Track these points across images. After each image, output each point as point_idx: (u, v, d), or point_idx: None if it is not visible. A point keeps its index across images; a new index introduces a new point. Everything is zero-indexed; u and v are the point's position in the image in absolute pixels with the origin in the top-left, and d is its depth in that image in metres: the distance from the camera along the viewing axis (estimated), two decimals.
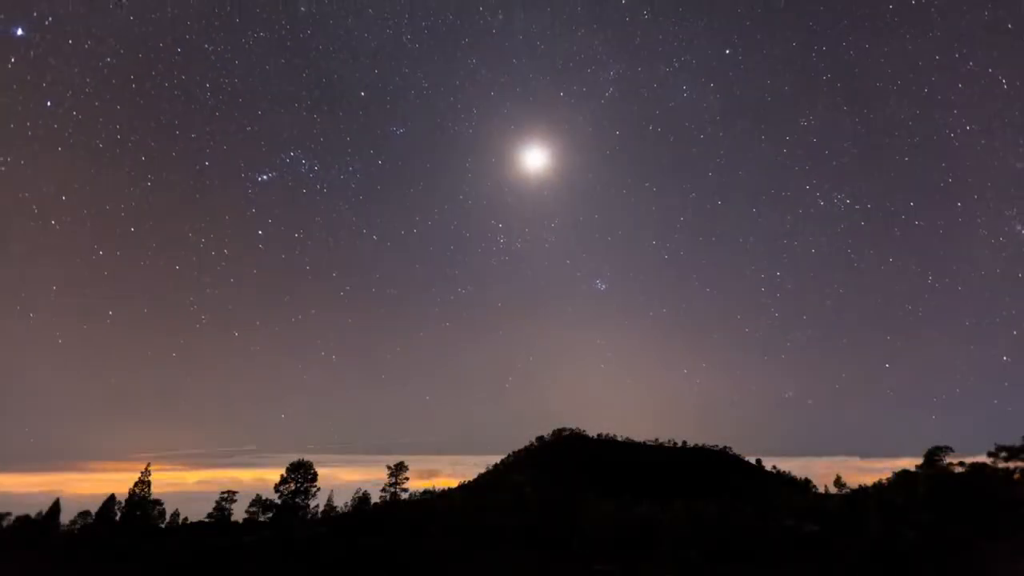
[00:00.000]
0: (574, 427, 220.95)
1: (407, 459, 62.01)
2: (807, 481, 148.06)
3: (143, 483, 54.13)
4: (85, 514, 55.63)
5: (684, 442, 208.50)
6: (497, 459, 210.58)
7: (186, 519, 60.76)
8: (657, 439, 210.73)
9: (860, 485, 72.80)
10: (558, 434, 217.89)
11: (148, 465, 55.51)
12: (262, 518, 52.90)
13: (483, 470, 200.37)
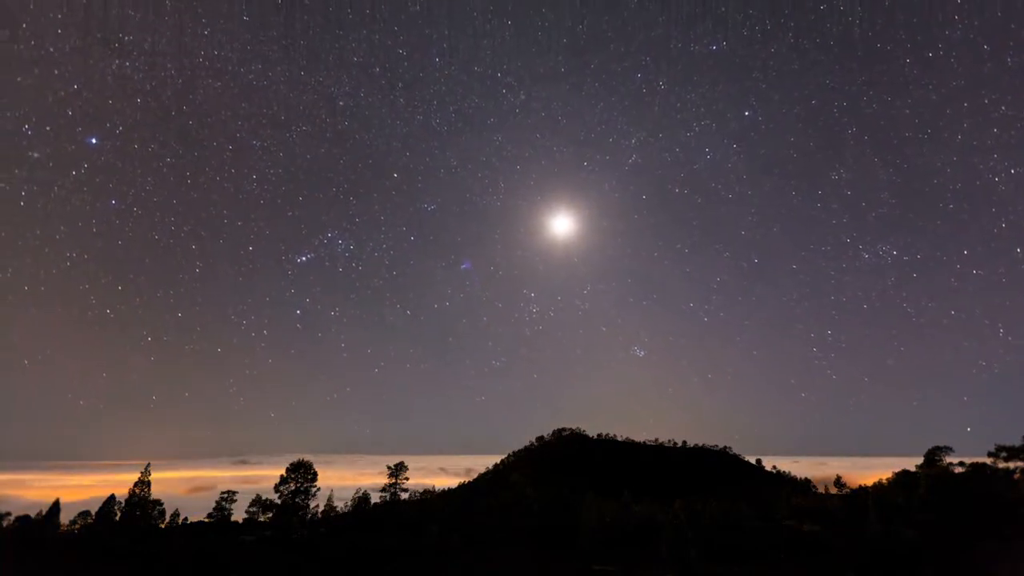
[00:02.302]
0: (574, 427, 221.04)
1: (407, 459, 62.02)
2: (807, 481, 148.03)
3: (143, 483, 54.06)
4: (85, 514, 55.56)
5: (684, 442, 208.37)
6: (497, 459, 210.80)
7: (186, 519, 60.70)
8: (657, 439, 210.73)
9: (860, 485, 72.84)
10: (558, 434, 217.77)
11: (148, 465, 55.55)
12: (262, 518, 52.86)
13: (483, 470, 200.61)
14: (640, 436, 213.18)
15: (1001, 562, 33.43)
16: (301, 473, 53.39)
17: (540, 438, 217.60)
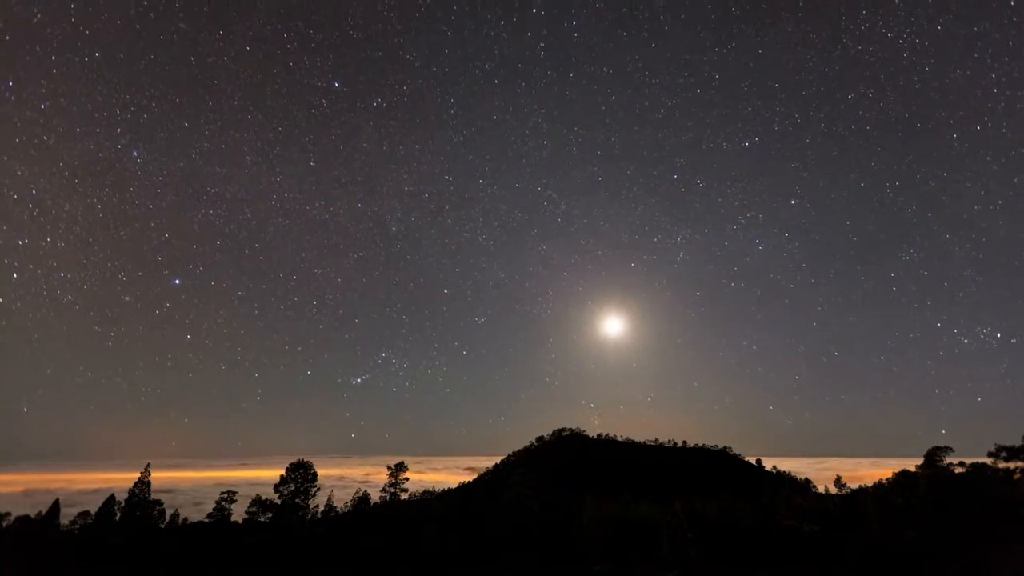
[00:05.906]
0: (574, 427, 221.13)
1: (407, 459, 62.01)
2: (807, 481, 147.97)
3: (143, 483, 54.08)
4: (85, 514, 55.53)
5: (684, 442, 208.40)
6: (497, 459, 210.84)
7: (186, 519, 60.67)
8: (657, 439, 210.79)
9: (860, 485, 72.79)
10: (558, 434, 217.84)
11: (148, 465, 55.57)
12: (262, 518, 52.83)
13: (483, 470, 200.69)
14: (640, 436, 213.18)
15: (1001, 562, 33.42)
16: (301, 473, 53.37)
17: (540, 438, 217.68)
